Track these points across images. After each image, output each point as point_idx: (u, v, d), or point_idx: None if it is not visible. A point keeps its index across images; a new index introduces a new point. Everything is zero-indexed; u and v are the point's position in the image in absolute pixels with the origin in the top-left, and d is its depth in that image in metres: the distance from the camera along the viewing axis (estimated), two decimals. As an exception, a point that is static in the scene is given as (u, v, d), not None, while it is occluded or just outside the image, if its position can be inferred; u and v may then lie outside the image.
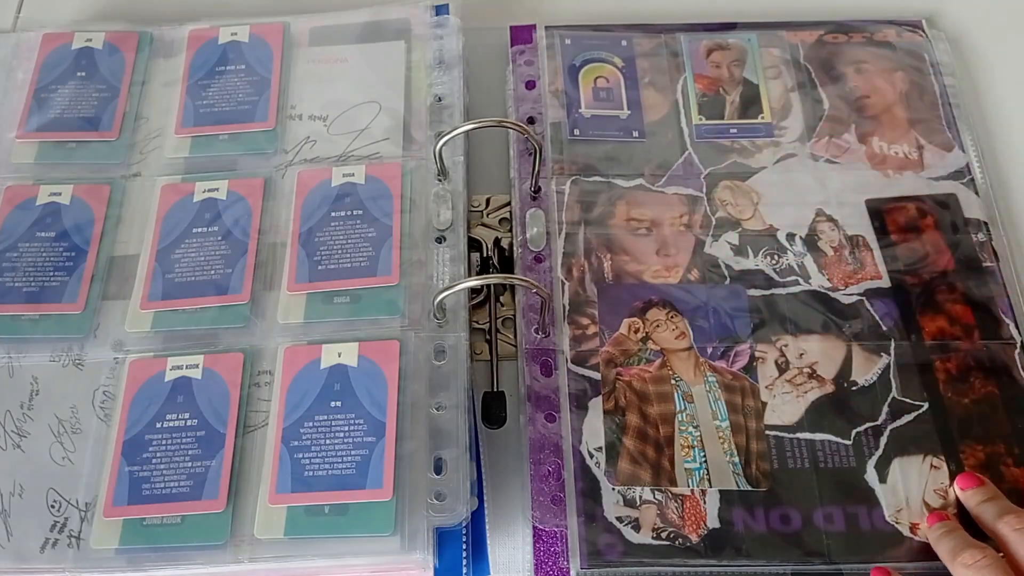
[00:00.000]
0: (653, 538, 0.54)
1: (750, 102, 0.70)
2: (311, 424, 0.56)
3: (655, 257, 0.64)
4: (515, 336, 0.62)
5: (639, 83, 0.71)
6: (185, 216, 0.64)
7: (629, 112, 0.70)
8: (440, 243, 0.63)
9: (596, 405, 0.58)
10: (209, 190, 0.65)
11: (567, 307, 0.62)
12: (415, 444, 0.56)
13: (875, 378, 0.59)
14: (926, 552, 0.54)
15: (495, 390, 0.61)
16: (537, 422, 0.58)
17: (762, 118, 0.70)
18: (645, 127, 0.69)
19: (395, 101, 0.69)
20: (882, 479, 0.56)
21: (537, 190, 0.66)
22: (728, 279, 0.63)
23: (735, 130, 0.69)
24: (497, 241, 0.66)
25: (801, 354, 0.60)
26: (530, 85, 0.71)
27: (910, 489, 0.56)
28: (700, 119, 0.70)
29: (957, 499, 0.55)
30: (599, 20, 0.75)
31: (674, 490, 0.56)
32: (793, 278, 0.63)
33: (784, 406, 0.58)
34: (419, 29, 0.72)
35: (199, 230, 0.64)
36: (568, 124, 0.69)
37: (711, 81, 0.71)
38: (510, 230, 0.66)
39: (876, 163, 0.68)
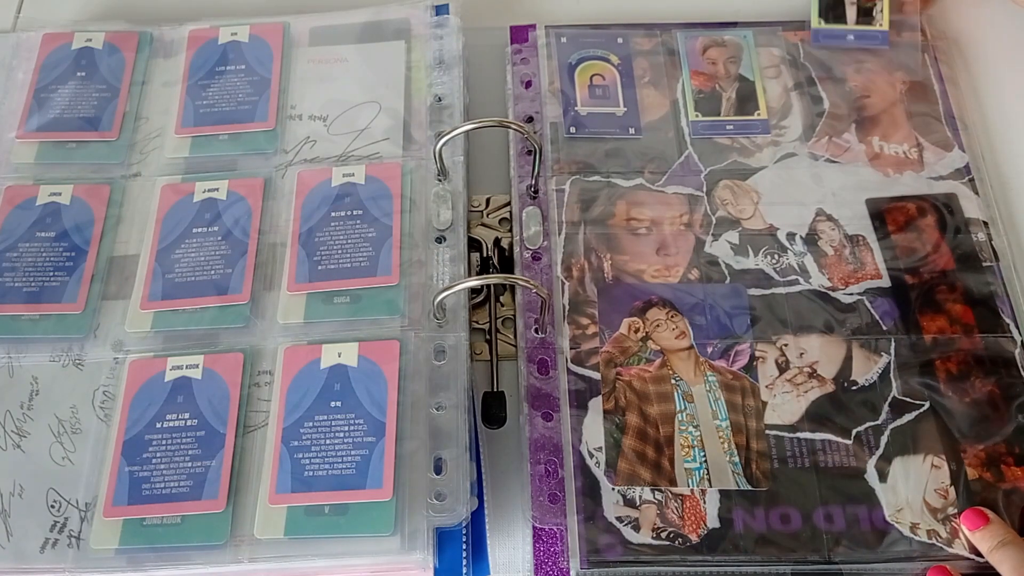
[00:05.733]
0: (653, 538, 0.54)
1: (746, 99, 0.70)
2: (311, 424, 0.56)
3: (655, 256, 0.64)
4: (515, 336, 0.62)
5: (636, 81, 0.71)
6: (185, 216, 0.64)
7: (625, 109, 0.70)
8: (440, 243, 0.63)
9: (596, 405, 0.58)
10: (209, 190, 0.65)
11: (567, 307, 0.62)
12: (415, 444, 0.56)
13: (875, 377, 0.59)
14: (926, 551, 0.54)
15: (495, 390, 0.61)
16: (537, 422, 0.58)
17: (758, 114, 0.70)
18: (642, 125, 0.69)
19: (395, 101, 0.69)
20: (882, 478, 0.56)
21: (536, 190, 0.66)
22: (728, 278, 0.63)
23: (731, 126, 0.69)
24: (497, 241, 0.66)
25: (801, 353, 0.60)
26: (528, 84, 0.71)
27: (910, 489, 0.56)
28: (696, 115, 0.70)
29: (958, 499, 0.55)
30: (599, 20, 0.75)
31: (674, 490, 0.56)
32: (793, 277, 0.63)
33: (784, 405, 0.58)
34: (419, 29, 0.72)
35: (199, 230, 0.64)
36: (565, 122, 0.69)
37: (707, 78, 0.71)
38: (510, 230, 0.66)
39: (876, 163, 0.68)
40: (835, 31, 0.69)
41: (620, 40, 0.73)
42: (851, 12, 0.70)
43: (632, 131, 0.69)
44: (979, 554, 0.53)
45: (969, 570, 0.54)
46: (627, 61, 0.72)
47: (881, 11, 0.69)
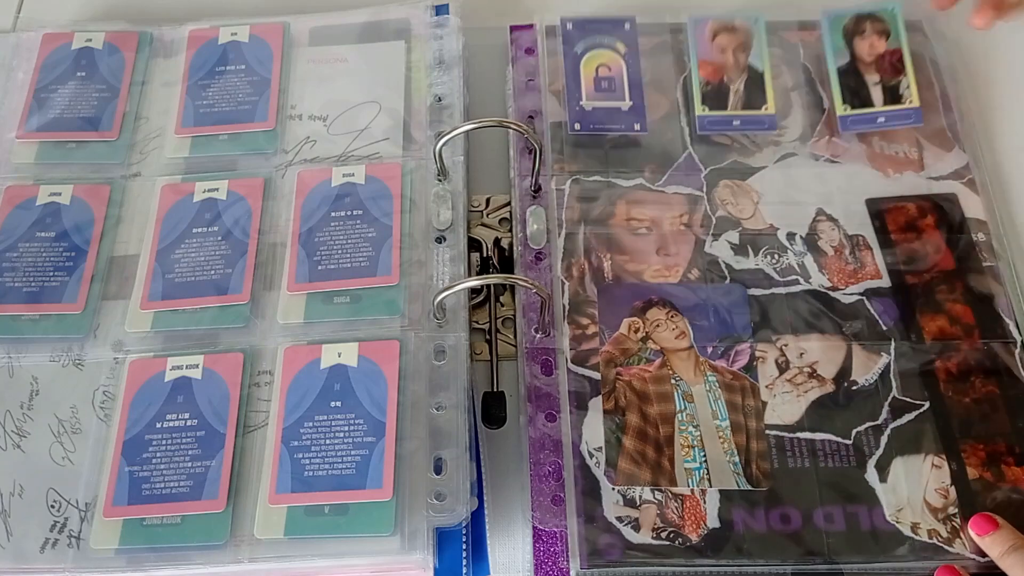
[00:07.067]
0: (653, 538, 0.54)
1: (754, 91, 0.70)
2: (311, 424, 0.56)
3: (655, 256, 0.64)
4: (515, 336, 0.62)
5: (642, 73, 0.70)
6: (185, 216, 0.64)
7: (631, 103, 0.69)
8: (440, 243, 0.63)
9: (596, 405, 0.58)
10: (209, 190, 0.65)
11: (567, 307, 0.62)
12: (415, 444, 0.56)
13: (875, 377, 0.59)
14: (927, 551, 0.54)
15: (495, 390, 0.61)
16: (537, 422, 0.58)
17: (766, 109, 0.69)
18: (647, 120, 0.69)
19: (395, 101, 0.69)
20: (882, 479, 0.56)
21: (537, 189, 0.66)
22: (728, 278, 0.63)
23: (738, 122, 0.69)
24: (497, 241, 0.66)
25: (801, 353, 0.60)
26: (531, 81, 0.71)
27: (910, 489, 0.56)
28: (703, 109, 0.69)
29: (959, 498, 0.55)
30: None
31: (674, 490, 0.56)
32: (793, 277, 0.63)
33: (784, 406, 0.58)
34: (419, 29, 0.72)
35: (199, 230, 0.64)
36: (569, 120, 0.69)
37: (715, 68, 0.71)
38: (510, 230, 0.66)
39: (876, 163, 0.68)
40: (864, 116, 0.67)
41: (627, 26, 0.72)
42: (876, 93, 0.67)
43: (638, 127, 0.69)
44: (983, 555, 0.53)
45: (974, 570, 0.53)
46: (633, 48, 0.71)
47: (908, 87, 0.67)
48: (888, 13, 0.71)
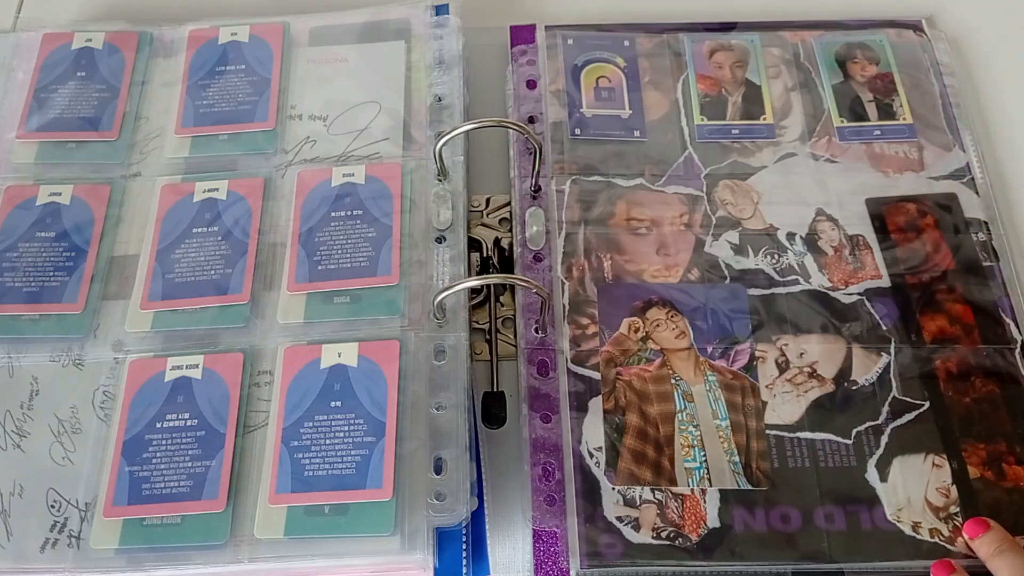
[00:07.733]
0: (653, 538, 0.54)
1: (752, 103, 0.70)
2: (311, 424, 0.56)
3: (655, 257, 0.64)
4: (515, 336, 0.62)
5: (641, 83, 0.71)
6: (185, 216, 0.64)
7: (631, 112, 0.70)
8: (440, 243, 0.63)
9: (596, 405, 0.58)
10: (209, 190, 0.65)
11: (567, 307, 0.62)
12: (415, 444, 0.56)
13: (875, 377, 0.59)
14: (928, 550, 0.54)
15: (495, 390, 0.61)
16: (537, 422, 0.58)
17: (764, 119, 0.70)
18: (646, 126, 0.69)
19: (395, 101, 0.69)
20: (883, 478, 0.56)
21: (537, 189, 0.66)
22: (728, 279, 0.63)
23: (737, 131, 0.69)
24: (497, 241, 0.66)
25: (801, 353, 0.60)
26: (531, 85, 0.71)
27: (911, 488, 0.56)
28: (702, 119, 0.69)
29: (960, 498, 0.55)
30: (599, 20, 0.75)
31: (674, 490, 0.56)
32: (793, 277, 0.63)
33: (784, 405, 0.58)
34: (419, 29, 0.72)
35: (199, 230, 0.64)
36: (570, 124, 0.69)
37: (713, 82, 0.71)
38: (510, 230, 0.66)
39: (876, 163, 0.68)
40: (862, 128, 0.68)
41: (626, 42, 0.73)
42: (871, 109, 0.69)
43: (637, 133, 0.69)
44: None
45: (975, 568, 0.53)
46: (633, 63, 0.72)
47: (901, 105, 0.69)
48: (876, 43, 0.73)
